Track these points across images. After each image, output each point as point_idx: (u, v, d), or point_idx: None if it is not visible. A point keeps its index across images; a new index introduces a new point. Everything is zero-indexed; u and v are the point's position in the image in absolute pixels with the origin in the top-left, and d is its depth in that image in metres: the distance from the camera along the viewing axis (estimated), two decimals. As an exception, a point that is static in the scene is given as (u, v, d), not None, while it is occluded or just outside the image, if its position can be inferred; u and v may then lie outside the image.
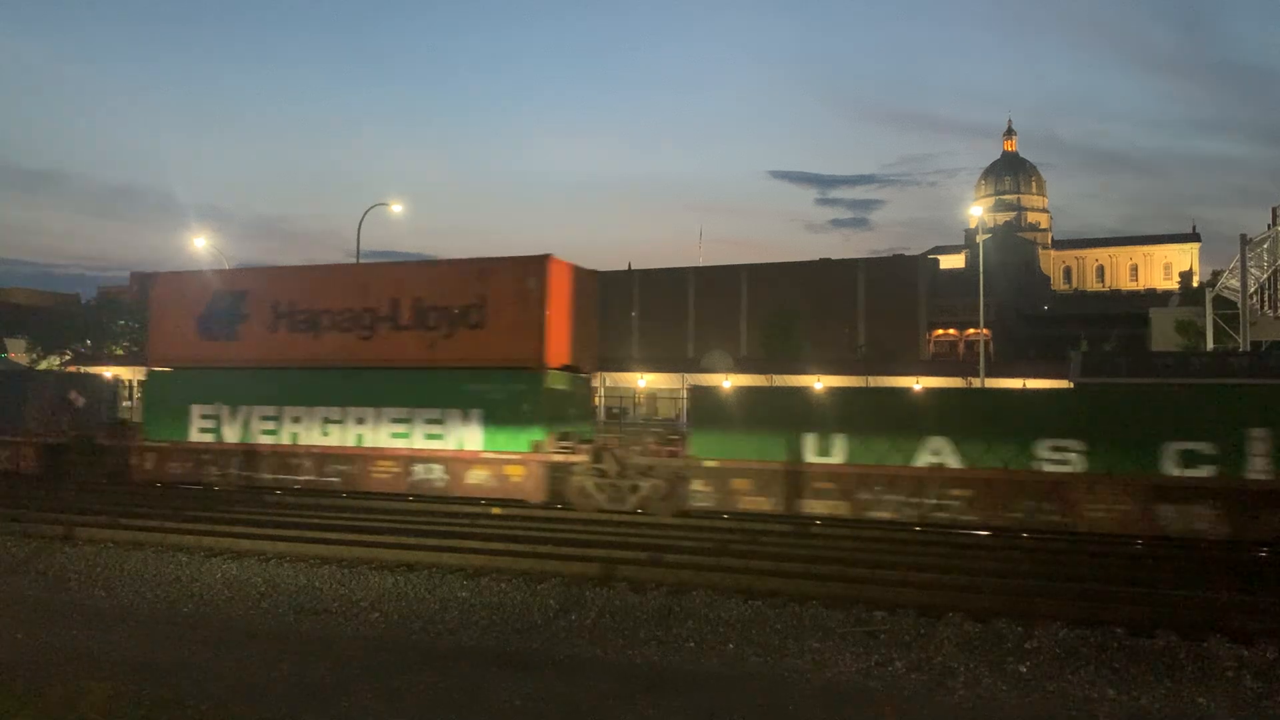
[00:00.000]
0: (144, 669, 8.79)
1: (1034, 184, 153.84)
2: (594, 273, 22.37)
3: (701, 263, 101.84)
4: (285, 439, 21.39)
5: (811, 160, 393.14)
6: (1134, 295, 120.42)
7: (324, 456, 20.92)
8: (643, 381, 65.94)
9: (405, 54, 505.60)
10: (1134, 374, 42.30)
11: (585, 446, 19.10)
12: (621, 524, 17.11)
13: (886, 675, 8.81)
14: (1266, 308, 53.66)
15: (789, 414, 17.97)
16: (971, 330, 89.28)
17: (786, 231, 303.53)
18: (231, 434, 21.92)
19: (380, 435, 20.65)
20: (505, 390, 19.63)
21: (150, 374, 23.77)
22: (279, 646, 9.70)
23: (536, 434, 19.23)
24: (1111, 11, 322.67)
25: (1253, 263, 52.34)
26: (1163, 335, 71.57)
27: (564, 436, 19.69)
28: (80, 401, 25.70)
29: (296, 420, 21.39)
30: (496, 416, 19.62)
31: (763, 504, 17.19)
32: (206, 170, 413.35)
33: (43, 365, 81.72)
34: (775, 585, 11.28)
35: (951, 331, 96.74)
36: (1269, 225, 57.51)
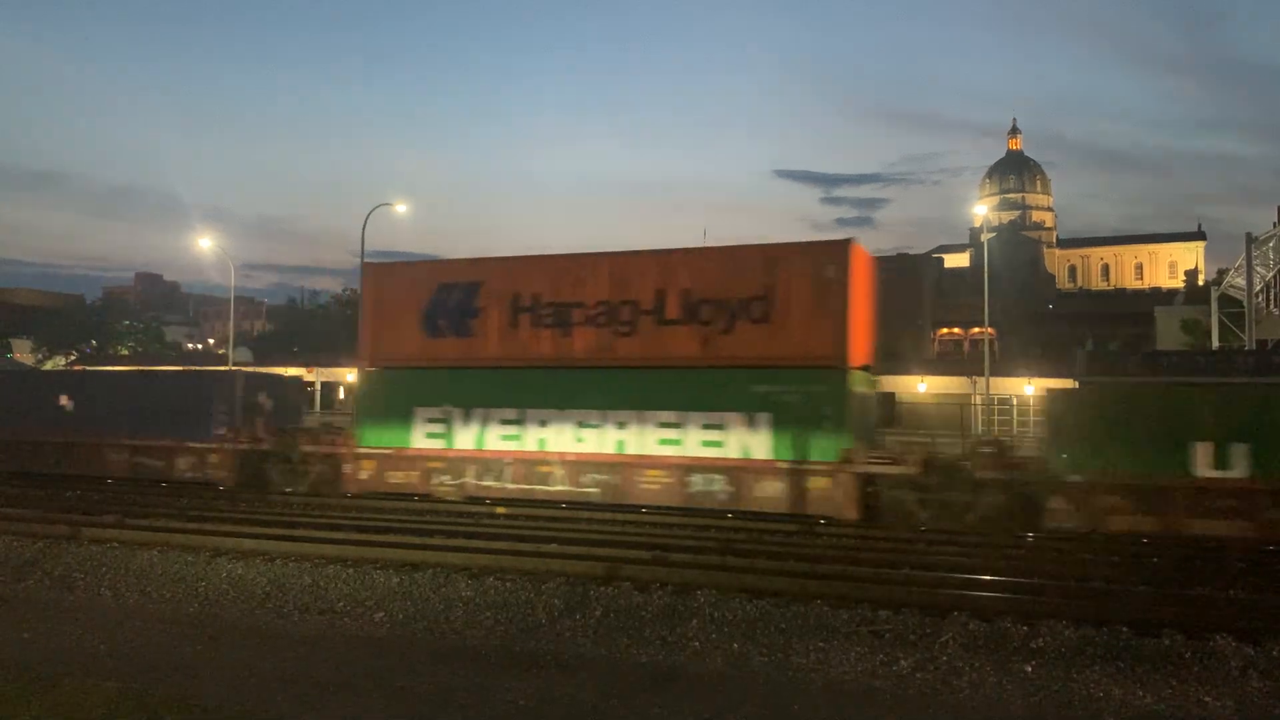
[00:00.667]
0: (149, 668, 8.81)
1: (1038, 183, 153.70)
2: (877, 260, 20.75)
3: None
4: (531, 445, 19.21)
5: (816, 159, 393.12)
6: (1139, 294, 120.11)
7: (579, 465, 18.74)
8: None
9: (408, 54, 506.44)
10: (1140, 373, 42.19)
11: (908, 456, 17.16)
12: (625, 523, 17.12)
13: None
14: (1272, 306, 53.49)
15: (1179, 418, 15.39)
16: (976, 329, 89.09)
17: (791, 231, 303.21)
18: (465, 440, 19.75)
19: (646, 442, 18.44)
20: (801, 392, 17.43)
21: (365, 375, 21.36)
22: (284, 646, 9.71)
23: (841, 441, 17.17)
24: (1116, 11, 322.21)
25: (1258, 261, 52.17)
26: (1168, 334, 71.31)
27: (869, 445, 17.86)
28: (269, 404, 23.73)
29: (543, 424, 19.17)
30: (789, 421, 17.41)
31: (1142, 524, 14.99)
32: (209, 170, 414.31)
33: (48, 366, 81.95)
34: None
35: (956, 330, 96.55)
36: (1274, 223, 57.33)
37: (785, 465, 17.35)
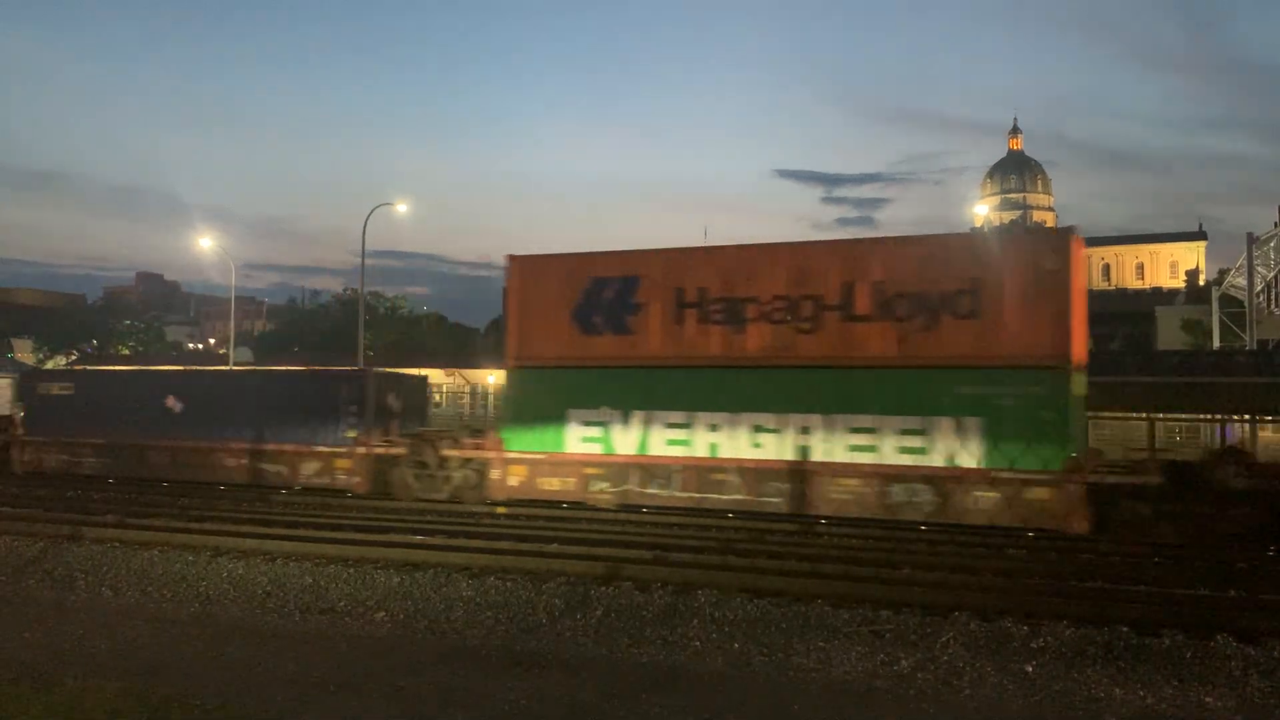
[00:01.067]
0: (150, 668, 8.82)
1: (1039, 182, 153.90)
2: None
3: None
4: (701, 451, 17.86)
5: (818, 159, 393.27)
6: (1140, 293, 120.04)
7: (759, 472, 17.37)
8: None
9: (411, 55, 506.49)
10: (1140, 372, 42.16)
11: (1146, 464, 15.84)
12: (626, 523, 17.13)
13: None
14: (1273, 306, 53.50)
15: None
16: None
17: (792, 230, 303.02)
18: (626, 444, 18.41)
19: (835, 448, 17.03)
20: (1017, 394, 15.99)
21: (511, 375, 19.88)
22: (285, 645, 9.72)
23: (1065, 449, 15.82)
24: (1118, 9, 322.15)
25: (1259, 261, 52.17)
26: (1169, 334, 71.35)
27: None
28: (398, 405, 22.46)
29: (714, 428, 17.81)
30: (1003, 426, 16.00)
31: None
32: (210, 170, 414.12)
33: (49, 365, 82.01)
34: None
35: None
36: (1276, 223, 57.35)
37: (1001, 474, 15.93)
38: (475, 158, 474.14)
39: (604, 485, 18.40)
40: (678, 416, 18.13)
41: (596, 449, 18.62)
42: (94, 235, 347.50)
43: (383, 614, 10.96)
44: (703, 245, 18.87)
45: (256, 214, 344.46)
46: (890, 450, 16.68)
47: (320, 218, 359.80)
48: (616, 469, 18.41)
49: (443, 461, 20.00)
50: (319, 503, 19.90)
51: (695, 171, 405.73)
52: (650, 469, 18.18)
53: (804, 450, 17.18)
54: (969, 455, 16.21)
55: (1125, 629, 9.53)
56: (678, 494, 17.90)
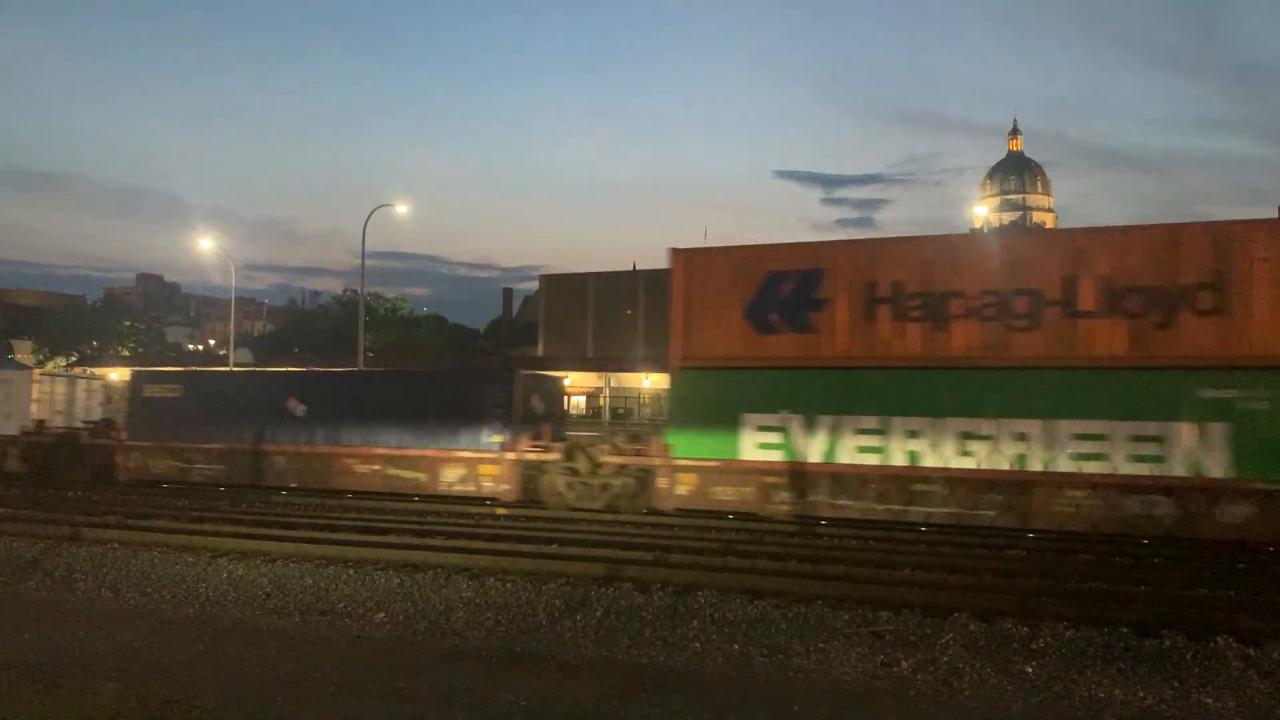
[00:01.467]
0: (150, 669, 8.82)
1: (1039, 183, 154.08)
2: None
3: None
4: (898, 459, 16.51)
5: (817, 160, 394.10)
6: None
7: (971, 483, 16.12)
8: (647, 381, 65.72)
9: (413, 57, 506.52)
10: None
11: None
12: (627, 523, 17.14)
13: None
14: None
15: None
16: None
17: (792, 231, 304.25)
18: (810, 451, 17.05)
19: (1057, 456, 15.75)
20: (1271, 397, 14.81)
21: (676, 376, 18.42)
22: (285, 647, 9.72)
23: None
24: (1119, 10, 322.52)
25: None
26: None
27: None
28: (542, 407, 21.82)
29: (913, 435, 16.46)
30: (1256, 433, 14.76)
31: None
32: (211, 171, 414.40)
33: (48, 367, 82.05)
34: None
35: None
36: (1275, 224, 57.35)
37: (1255, 485, 14.67)
38: (475, 158, 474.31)
39: (786, 496, 17.04)
40: (870, 421, 16.75)
41: (776, 456, 17.24)
42: (94, 236, 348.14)
43: (383, 615, 10.96)
44: (895, 236, 17.70)
45: (257, 215, 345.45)
46: (1121, 459, 15.40)
47: (320, 219, 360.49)
48: (801, 478, 16.98)
49: (596, 468, 18.89)
50: (317, 504, 19.91)
51: (695, 172, 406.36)
52: (841, 479, 16.79)
53: (1021, 459, 15.91)
54: (1215, 464, 14.91)
55: (1125, 630, 9.55)
56: (874, 506, 16.53)
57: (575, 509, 18.65)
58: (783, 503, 17.06)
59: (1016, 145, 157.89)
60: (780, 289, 17.64)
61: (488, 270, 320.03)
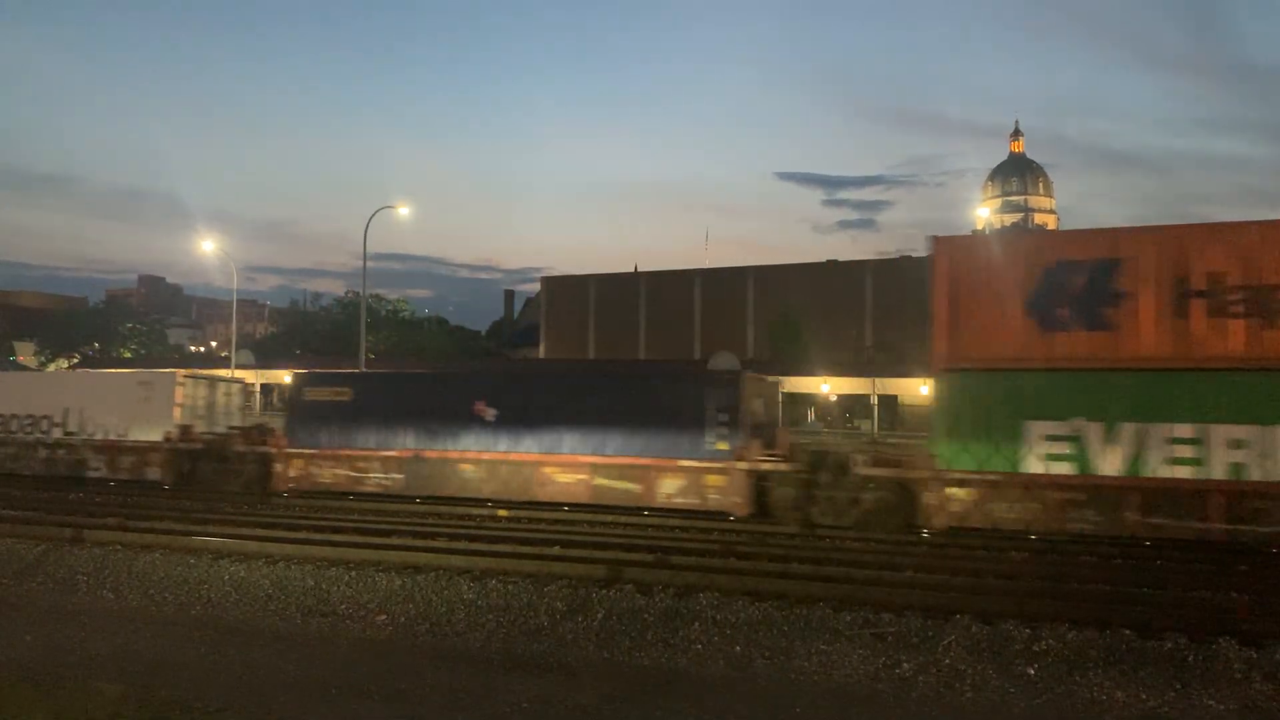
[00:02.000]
0: (152, 670, 8.83)
1: (1041, 185, 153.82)
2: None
3: (708, 264, 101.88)
4: (1219, 473, 14.46)
5: (818, 161, 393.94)
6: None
7: None
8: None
9: (414, 57, 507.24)
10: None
11: None
12: (627, 525, 17.11)
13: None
14: (1275, 308, 53.38)
15: None
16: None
17: (793, 233, 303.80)
18: (1110, 463, 15.01)
19: None
20: None
21: (941, 380, 16.36)
22: (286, 648, 9.72)
23: None
24: (1120, 11, 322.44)
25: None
26: None
27: None
28: (763, 412, 19.94)
29: (1239, 445, 14.40)
30: None
31: None
32: (213, 173, 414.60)
33: (50, 368, 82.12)
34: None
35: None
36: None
37: None
38: (476, 158, 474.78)
39: (1086, 514, 15.15)
40: (1184, 430, 14.76)
41: (1067, 468, 15.23)
42: (96, 238, 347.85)
43: (384, 617, 10.96)
44: (1208, 222, 16.31)
45: (258, 216, 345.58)
46: None
47: (322, 221, 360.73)
48: (1104, 494, 15.05)
49: (839, 480, 16.89)
50: (318, 506, 19.88)
51: (695, 173, 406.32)
52: (1153, 494, 14.83)
53: None
54: None
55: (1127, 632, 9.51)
56: (1193, 525, 14.60)
57: (819, 526, 16.75)
58: (1082, 521, 15.18)
59: (1018, 146, 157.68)
60: (1069, 281, 15.69)
61: (489, 272, 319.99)
